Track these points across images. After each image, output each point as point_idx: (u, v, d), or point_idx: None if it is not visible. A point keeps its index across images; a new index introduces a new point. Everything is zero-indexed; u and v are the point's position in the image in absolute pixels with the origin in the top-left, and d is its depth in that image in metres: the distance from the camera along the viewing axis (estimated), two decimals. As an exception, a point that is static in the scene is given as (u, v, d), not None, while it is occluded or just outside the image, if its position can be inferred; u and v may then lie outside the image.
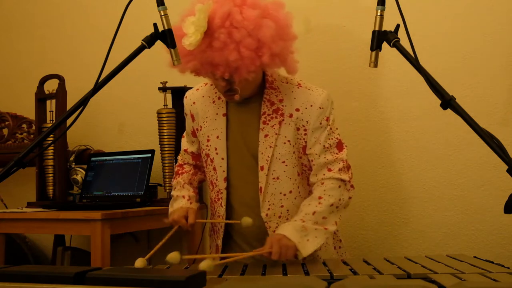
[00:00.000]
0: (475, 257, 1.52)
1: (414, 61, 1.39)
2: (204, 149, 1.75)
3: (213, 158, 1.72)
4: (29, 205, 2.64)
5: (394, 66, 2.26)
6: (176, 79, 2.59)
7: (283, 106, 1.66)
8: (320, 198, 1.61)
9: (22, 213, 2.32)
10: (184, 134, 1.90)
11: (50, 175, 2.68)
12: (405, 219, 2.26)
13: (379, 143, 2.30)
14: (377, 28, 1.50)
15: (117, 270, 1.01)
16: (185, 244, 2.67)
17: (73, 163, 2.68)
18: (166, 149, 2.49)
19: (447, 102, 1.33)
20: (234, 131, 1.70)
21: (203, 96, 1.77)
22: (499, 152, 1.24)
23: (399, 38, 1.46)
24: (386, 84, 2.30)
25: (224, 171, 1.70)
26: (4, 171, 1.36)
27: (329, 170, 1.64)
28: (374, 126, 2.30)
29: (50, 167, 2.68)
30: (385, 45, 1.50)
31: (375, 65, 1.53)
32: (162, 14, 1.51)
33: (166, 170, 2.49)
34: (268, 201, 1.67)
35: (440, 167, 2.21)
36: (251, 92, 1.67)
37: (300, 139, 1.66)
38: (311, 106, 1.64)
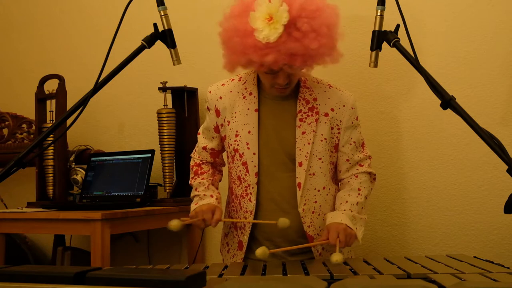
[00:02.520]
0: (475, 257, 1.52)
1: (414, 61, 1.39)
2: (231, 144, 1.75)
3: (242, 153, 1.72)
4: (29, 205, 2.64)
5: (394, 66, 2.26)
6: (176, 79, 2.60)
7: (317, 104, 1.72)
8: (359, 189, 1.74)
9: (22, 213, 2.32)
10: (201, 131, 1.88)
11: (50, 175, 2.68)
12: (405, 219, 2.26)
13: (379, 143, 2.30)
14: (377, 28, 1.51)
15: (117, 270, 1.00)
16: (185, 244, 2.67)
17: (73, 163, 2.68)
18: (166, 149, 2.49)
19: (447, 102, 1.33)
20: (267, 127, 1.73)
21: (230, 91, 1.77)
22: (499, 152, 1.24)
23: (399, 38, 1.46)
24: (386, 84, 2.30)
25: (255, 166, 1.71)
26: (4, 171, 1.37)
27: (360, 165, 1.78)
28: (374, 126, 2.30)
29: (50, 167, 2.68)
30: (385, 45, 1.50)
31: (375, 65, 1.53)
32: (162, 14, 1.52)
33: (166, 170, 2.49)
34: (304, 197, 1.71)
35: (440, 167, 2.21)
36: None
37: (333, 137, 1.74)
38: (344, 106, 1.73)
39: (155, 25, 1.52)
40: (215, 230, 2.56)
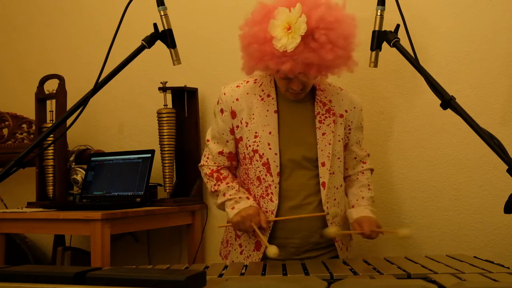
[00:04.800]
0: (475, 257, 1.52)
1: (414, 61, 1.39)
2: (250, 145, 1.76)
3: (263, 154, 1.73)
4: (29, 205, 2.64)
5: (394, 66, 2.26)
6: (176, 79, 2.60)
7: (333, 106, 1.80)
8: (368, 185, 1.89)
9: (22, 213, 2.32)
10: (211, 137, 1.86)
11: (50, 175, 2.68)
12: (405, 219, 2.26)
13: (379, 143, 2.30)
14: (377, 28, 1.51)
15: (117, 270, 1.00)
16: (185, 244, 2.67)
17: (73, 163, 2.68)
18: (166, 149, 2.49)
19: (447, 102, 1.33)
20: (287, 127, 1.76)
21: (247, 93, 1.79)
22: (499, 152, 1.24)
23: (399, 38, 1.46)
24: (386, 84, 2.30)
25: (277, 166, 1.73)
26: (4, 171, 1.37)
27: (364, 162, 1.92)
28: (374, 126, 2.30)
29: (50, 167, 2.68)
30: (385, 45, 1.50)
31: (375, 65, 1.53)
32: (162, 14, 1.52)
33: (166, 170, 2.49)
34: (328, 196, 1.76)
35: (440, 167, 2.21)
36: None
37: (345, 137, 1.83)
38: (355, 108, 1.84)
39: (155, 25, 1.52)
40: (216, 229, 2.57)
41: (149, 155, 2.49)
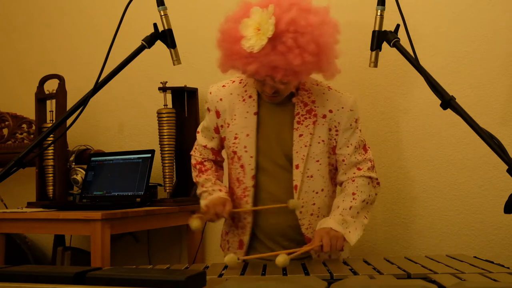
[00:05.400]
0: (475, 257, 1.52)
1: (414, 61, 1.39)
2: (230, 146, 1.76)
3: (241, 156, 1.73)
4: (29, 205, 2.64)
5: (394, 66, 2.26)
6: (176, 79, 2.60)
7: (315, 107, 1.72)
8: (354, 194, 1.70)
9: (22, 213, 2.32)
10: (201, 129, 1.88)
11: (50, 175, 2.68)
12: (405, 219, 2.26)
13: (379, 143, 2.30)
14: (377, 28, 1.50)
15: (117, 270, 1.00)
16: (185, 244, 2.67)
17: (73, 163, 2.68)
18: (166, 149, 2.49)
19: (447, 102, 1.33)
20: (267, 130, 1.73)
21: (231, 94, 1.78)
22: (499, 152, 1.24)
23: (399, 38, 1.46)
24: (386, 84, 2.30)
25: (252, 169, 1.72)
26: (4, 171, 1.37)
27: (359, 169, 1.74)
28: (374, 126, 2.30)
29: (50, 167, 2.68)
30: (385, 45, 1.50)
31: (375, 65, 1.53)
32: (162, 14, 1.52)
33: (166, 170, 2.49)
34: (302, 199, 1.71)
35: (440, 167, 2.21)
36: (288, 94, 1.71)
37: (331, 139, 1.73)
38: (343, 108, 1.72)
39: (155, 25, 1.52)
40: (216, 230, 2.56)
41: (149, 155, 2.49)
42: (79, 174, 2.62)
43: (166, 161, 2.49)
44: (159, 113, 2.50)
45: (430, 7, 2.23)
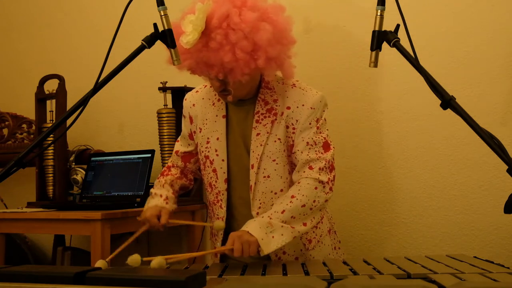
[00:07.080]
0: (475, 257, 1.52)
1: (414, 61, 1.39)
2: (203, 151, 1.74)
3: (213, 160, 1.71)
4: (29, 205, 2.64)
5: (394, 66, 2.26)
6: (176, 79, 2.60)
7: (277, 106, 1.66)
8: (292, 197, 1.58)
9: (22, 213, 2.32)
10: (180, 138, 1.87)
11: (50, 175, 2.68)
12: (405, 219, 2.26)
13: (379, 143, 2.30)
14: (377, 28, 1.50)
15: (117, 270, 1.00)
16: (185, 244, 2.67)
17: (73, 163, 2.68)
18: (166, 149, 2.49)
19: (447, 102, 1.33)
20: (234, 132, 1.70)
21: (202, 98, 1.76)
22: (499, 152, 1.24)
23: (399, 38, 1.45)
24: (386, 84, 2.30)
25: (224, 172, 1.69)
26: (4, 171, 1.37)
27: (310, 168, 1.61)
28: (374, 126, 2.30)
29: (50, 167, 2.68)
30: (385, 45, 1.50)
31: (375, 65, 1.53)
32: (162, 14, 1.51)
33: (166, 170, 2.49)
34: (259, 200, 1.67)
35: (440, 167, 2.21)
36: (246, 94, 1.66)
37: (289, 137, 1.65)
38: (303, 105, 1.64)
39: (155, 25, 1.52)
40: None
41: (149, 155, 2.49)
42: (79, 174, 2.62)
43: (166, 161, 2.48)
44: (159, 113, 2.50)
45: (430, 7, 2.23)
